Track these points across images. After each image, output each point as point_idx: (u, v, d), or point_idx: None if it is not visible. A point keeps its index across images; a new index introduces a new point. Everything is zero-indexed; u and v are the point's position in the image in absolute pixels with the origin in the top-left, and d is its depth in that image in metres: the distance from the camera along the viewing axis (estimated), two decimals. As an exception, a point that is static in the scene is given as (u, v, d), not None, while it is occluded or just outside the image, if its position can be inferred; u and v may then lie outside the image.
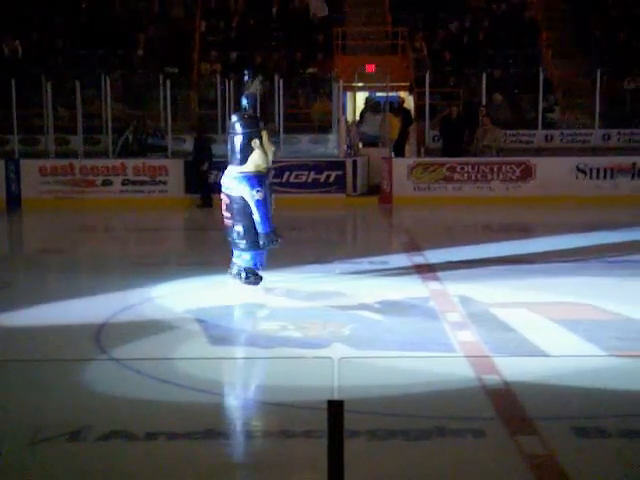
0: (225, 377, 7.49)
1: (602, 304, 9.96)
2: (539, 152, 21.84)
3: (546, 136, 22.49)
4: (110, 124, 21.50)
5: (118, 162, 20.97)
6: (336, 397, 3.99)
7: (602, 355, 8.02)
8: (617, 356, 7.98)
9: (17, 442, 5.99)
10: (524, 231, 17.42)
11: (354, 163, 21.15)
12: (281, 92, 21.37)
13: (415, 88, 24.13)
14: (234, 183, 10.38)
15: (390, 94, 23.59)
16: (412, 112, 23.81)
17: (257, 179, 10.28)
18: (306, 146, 22.10)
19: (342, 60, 25.09)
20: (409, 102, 24.73)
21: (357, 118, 23.79)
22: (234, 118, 10.55)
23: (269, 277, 10.88)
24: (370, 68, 24.87)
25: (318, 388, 6.64)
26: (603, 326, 9.04)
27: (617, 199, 20.08)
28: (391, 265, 12.74)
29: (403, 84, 24.81)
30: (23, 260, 14.72)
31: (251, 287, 10.60)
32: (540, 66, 23.31)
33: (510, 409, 6.64)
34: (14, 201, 20.54)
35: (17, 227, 19.77)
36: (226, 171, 10.58)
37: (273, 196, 10.70)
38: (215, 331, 9.00)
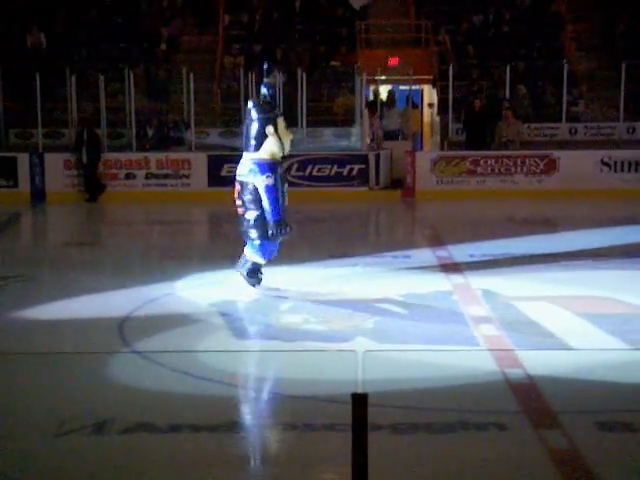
0: (248, 370, 7.50)
1: (626, 298, 9.91)
2: (563, 145, 21.73)
3: (570, 129, 22.39)
4: (134, 118, 21.55)
5: (141, 156, 21.01)
6: (360, 390, 3.99)
7: (626, 349, 7.99)
8: (641, 350, 7.96)
9: (42, 434, 6.03)
10: (547, 225, 17.36)
11: (377, 156, 21.12)
12: (304, 85, 21.35)
13: (438, 81, 24.08)
14: (246, 170, 10.29)
15: (413, 87, 23.56)
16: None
17: (269, 166, 10.15)
18: (329, 139, 22.08)
19: (365, 53, 25.05)
20: (431, 95, 24.72)
21: (378, 112, 23.70)
22: (250, 104, 10.40)
23: (292, 270, 10.89)
24: (393, 61, 24.81)
25: (341, 381, 6.66)
26: (627, 320, 9.00)
27: (641, 192, 19.96)
28: (414, 259, 12.72)
29: (426, 77, 24.75)
30: (46, 253, 14.78)
31: (249, 287, 10.42)
32: (564, 59, 23.20)
33: (533, 403, 6.63)
34: (38, 194, 20.61)
35: (41, 220, 19.86)
36: (242, 159, 10.50)
37: (286, 186, 10.49)
38: (238, 324, 9.03)
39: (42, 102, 21.35)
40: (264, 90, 10.52)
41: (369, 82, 23.28)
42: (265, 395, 6.98)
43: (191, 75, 21.51)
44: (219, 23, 26.21)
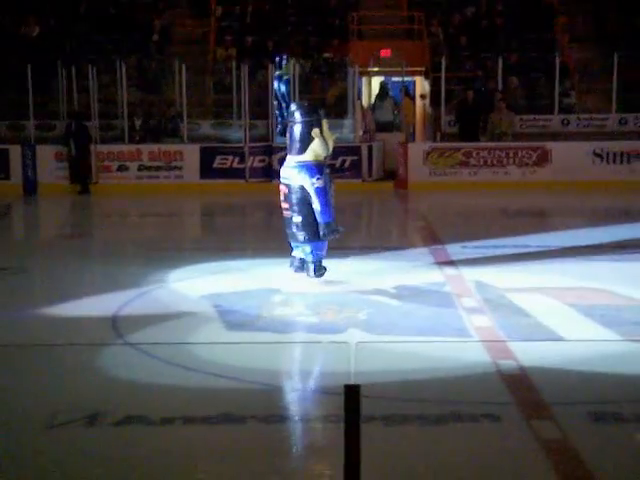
0: (241, 362, 7.50)
1: (618, 289, 9.94)
2: (555, 137, 21.76)
3: (562, 121, 22.41)
4: (126, 110, 21.51)
5: (134, 148, 20.99)
6: (353, 381, 4.00)
7: (618, 340, 8.01)
8: (633, 341, 7.96)
9: (34, 426, 6.02)
10: (540, 216, 17.38)
11: (369, 148, 21.12)
12: (296, 77, 21.31)
13: (431, 73, 24.07)
14: (293, 172, 10.21)
15: (405, 79, 23.56)
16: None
17: (317, 168, 10.12)
18: (321, 131, 22.01)
19: (357, 45, 25.01)
20: (424, 87, 24.71)
21: (371, 103, 23.70)
22: (293, 107, 10.42)
23: (284, 262, 10.86)
24: (385, 53, 24.78)
25: (334, 373, 6.67)
26: (619, 311, 9.02)
27: (633, 184, 19.97)
28: (407, 250, 12.74)
29: (419, 69, 24.75)
30: (39, 245, 14.76)
31: (319, 279, 10.33)
32: (556, 50, 23.21)
33: (526, 394, 6.64)
34: (30, 186, 20.61)
35: (33, 212, 19.83)
36: (285, 161, 10.48)
37: (333, 186, 10.44)
38: (231, 316, 9.02)
39: (34, 94, 21.33)
40: (282, 88, 10.52)
41: (361, 74, 23.26)
42: (257, 387, 6.97)
43: (183, 66, 21.48)
44: (211, 14, 26.16)
